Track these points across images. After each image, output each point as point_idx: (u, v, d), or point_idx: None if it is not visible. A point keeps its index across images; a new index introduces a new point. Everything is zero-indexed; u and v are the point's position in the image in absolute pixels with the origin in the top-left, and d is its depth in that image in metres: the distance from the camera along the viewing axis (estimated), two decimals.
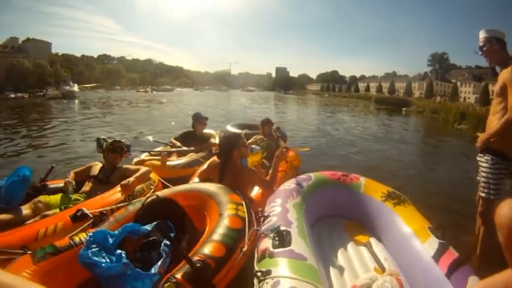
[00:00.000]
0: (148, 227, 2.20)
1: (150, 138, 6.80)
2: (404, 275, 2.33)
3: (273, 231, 2.18)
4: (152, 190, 3.54)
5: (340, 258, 2.62)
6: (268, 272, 1.79)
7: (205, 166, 3.71)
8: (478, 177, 3.13)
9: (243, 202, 2.59)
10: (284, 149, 3.69)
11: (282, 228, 2.23)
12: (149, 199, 2.70)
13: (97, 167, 3.77)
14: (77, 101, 29.12)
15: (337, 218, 3.22)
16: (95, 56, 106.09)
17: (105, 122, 14.46)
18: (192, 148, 5.49)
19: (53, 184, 3.63)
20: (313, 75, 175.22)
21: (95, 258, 1.82)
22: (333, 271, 2.42)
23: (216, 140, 5.77)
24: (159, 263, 1.93)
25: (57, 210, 3.02)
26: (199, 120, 5.95)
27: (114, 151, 3.79)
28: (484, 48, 3.00)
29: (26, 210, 2.98)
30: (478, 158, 3.13)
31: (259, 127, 5.68)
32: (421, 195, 5.16)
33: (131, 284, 1.78)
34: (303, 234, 2.26)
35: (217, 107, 29.85)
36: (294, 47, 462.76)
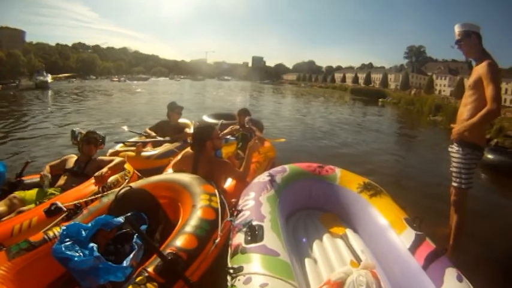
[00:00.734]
0: (121, 219, 2.18)
1: (125, 128, 6.66)
2: (381, 267, 2.35)
3: (245, 226, 2.14)
4: (127, 181, 3.51)
5: (316, 251, 2.59)
6: (240, 269, 1.77)
7: (179, 157, 3.68)
8: (451, 168, 3.20)
9: (217, 192, 2.57)
10: (257, 140, 3.67)
11: (255, 223, 2.19)
12: (122, 190, 2.68)
13: (72, 159, 3.72)
14: (50, 92, 28.36)
15: (313, 211, 3.20)
16: (70, 44, 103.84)
17: (79, 112, 14.15)
18: (167, 138, 5.46)
19: (28, 179, 3.57)
20: (290, 65, 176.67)
21: (68, 252, 1.79)
22: (308, 264, 2.41)
23: (191, 130, 5.73)
24: (131, 256, 1.94)
25: (33, 205, 2.97)
26: (174, 109, 5.90)
27: (89, 142, 3.74)
28: (462, 42, 3.05)
29: (1, 207, 2.93)
30: (450, 149, 3.23)
31: (235, 117, 5.63)
32: (397, 185, 5.31)
33: (104, 278, 1.78)
34: (276, 228, 2.23)
35: (193, 96, 29.64)
36: (271, 37, 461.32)
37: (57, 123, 10.90)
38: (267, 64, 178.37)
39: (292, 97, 36.63)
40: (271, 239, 2.06)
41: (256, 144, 3.59)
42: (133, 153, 4.68)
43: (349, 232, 2.83)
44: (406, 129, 16.32)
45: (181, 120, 6.18)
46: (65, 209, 2.66)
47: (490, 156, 7.06)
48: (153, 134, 5.66)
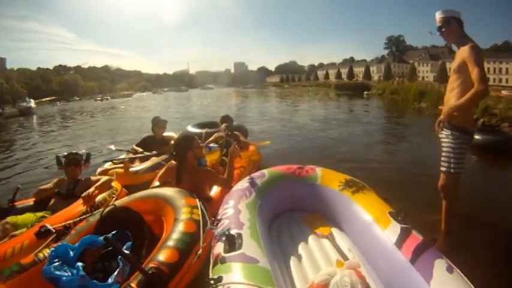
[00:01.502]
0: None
1: (112, 147, 6.71)
2: (369, 264, 2.32)
3: (223, 235, 2.10)
4: (114, 199, 3.56)
5: (302, 253, 2.55)
6: (220, 279, 1.72)
7: (163, 170, 3.77)
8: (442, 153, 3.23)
9: (198, 204, 2.61)
10: (236, 146, 3.70)
11: (233, 231, 2.14)
12: (107, 209, 2.72)
13: (62, 182, 3.79)
14: (35, 117, 28.11)
15: (296, 212, 3.18)
16: (51, 67, 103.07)
17: (65, 136, 14.01)
18: (154, 152, 5.51)
19: (20, 204, 3.67)
20: (272, 67, 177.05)
21: (57, 272, 1.88)
22: (294, 268, 2.38)
23: None
24: (115, 272, 1.99)
25: (25, 229, 3.04)
26: (158, 123, 5.96)
27: (69, 164, 3.79)
28: (443, 29, 3.11)
29: None
30: (439, 134, 3.25)
31: (219, 125, 5.68)
32: (387, 178, 5.36)
33: None
34: (255, 235, 2.19)
35: (177, 108, 29.56)
36: (251, 41, 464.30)
37: (43, 149, 10.85)
38: (250, 69, 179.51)
39: (276, 99, 36.55)
40: (250, 246, 2.02)
41: (237, 150, 3.63)
42: (121, 170, 4.74)
43: (334, 231, 2.81)
44: (392, 119, 16.39)
45: (166, 133, 6.22)
46: (53, 230, 2.75)
47: (478, 136, 6.95)
48: (140, 149, 5.69)
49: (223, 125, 5.40)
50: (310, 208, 3.14)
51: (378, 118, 16.69)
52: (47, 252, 2.35)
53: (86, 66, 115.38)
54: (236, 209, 2.53)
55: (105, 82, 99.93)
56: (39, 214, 3.40)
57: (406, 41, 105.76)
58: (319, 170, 3.23)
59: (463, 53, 2.96)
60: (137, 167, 4.97)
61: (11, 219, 3.21)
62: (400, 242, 2.07)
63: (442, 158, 3.20)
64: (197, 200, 2.72)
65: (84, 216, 3.09)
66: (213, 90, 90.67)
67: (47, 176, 6.62)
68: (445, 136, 3.17)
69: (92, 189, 3.52)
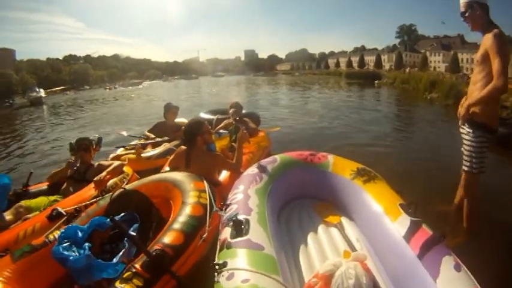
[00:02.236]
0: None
1: (124, 133, 6.76)
2: (377, 256, 2.29)
3: (231, 220, 2.10)
4: (125, 183, 3.57)
5: (310, 241, 2.53)
6: (225, 264, 1.75)
7: (173, 155, 3.77)
8: (462, 149, 3.11)
9: (206, 188, 2.63)
10: (245, 131, 3.69)
11: (241, 216, 2.14)
12: (117, 193, 2.78)
13: (72, 164, 3.86)
14: (45, 107, 28.04)
15: (306, 200, 3.15)
16: (61, 57, 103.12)
17: (76, 124, 14.16)
18: (165, 138, 5.57)
19: (34, 188, 3.79)
20: (282, 55, 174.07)
21: (65, 252, 1.93)
22: (301, 255, 2.37)
23: None
24: (121, 253, 2.05)
25: (38, 212, 3.14)
26: (170, 109, 6.04)
27: (79, 149, 3.85)
28: (466, 14, 2.88)
29: (8, 216, 3.10)
30: (461, 130, 3.10)
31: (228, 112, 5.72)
32: (394, 168, 5.23)
33: (97, 275, 1.91)
34: (263, 221, 2.19)
35: (188, 96, 29.47)
36: (261, 29, 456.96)
37: (55, 137, 10.99)
38: (260, 56, 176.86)
39: (287, 87, 36.42)
40: (256, 232, 2.03)
41: (245, 134, 3.63)
42: (134, 156, 4.79)
43: (344, 220, 2.78)
44: (403, 108, 16.28)
45: (178, 119, 6.27)
46: (64, 213, 2.84)
47: None
48: (152, 135, 5.78)
49: (231, 110, 5.44)
50: (320, 196, 3.12)
51: (389, 107, 16.58)
52: (57, 234, 2.41)
53: (95, 55, 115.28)
54: (246, 194, 2.52)
55: (114, 71, 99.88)
56: (52, 198, 3.49)
57: (418, 30, 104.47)
58: (331, 158, 3.19)
59: (486, 41, 2.74)
60: (149, 152, 5.02)
61: (24, 203, 3.30)
62: (409, 236, 2.02)
63: (464, 157, 3.06)
64: (205, 183, 2.73)
65: (95, 200, 3.13)
66: (224, 77, 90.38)
67: (60, 162, 6.66)
68: (466, 133, 3.01)
69: (103, 173, 3.56)
